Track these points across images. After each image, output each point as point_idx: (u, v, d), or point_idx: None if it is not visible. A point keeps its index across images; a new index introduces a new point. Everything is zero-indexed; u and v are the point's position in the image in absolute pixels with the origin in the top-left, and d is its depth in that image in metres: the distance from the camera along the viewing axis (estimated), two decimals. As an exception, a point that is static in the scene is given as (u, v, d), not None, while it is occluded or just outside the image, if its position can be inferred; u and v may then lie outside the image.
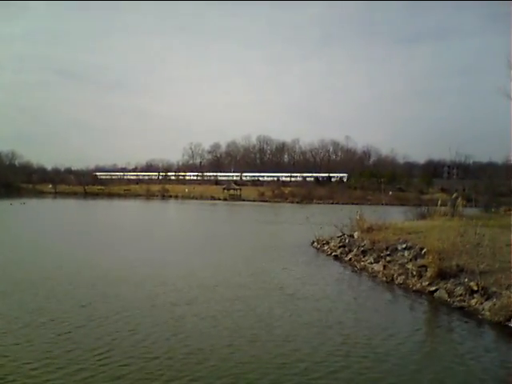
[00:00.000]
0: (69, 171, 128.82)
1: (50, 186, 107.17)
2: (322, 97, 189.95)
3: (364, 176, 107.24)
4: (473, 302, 11.76)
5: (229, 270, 16.74)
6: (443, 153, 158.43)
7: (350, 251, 20.32)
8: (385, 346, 9.09)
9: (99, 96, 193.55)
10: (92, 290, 12.96)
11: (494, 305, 10.95)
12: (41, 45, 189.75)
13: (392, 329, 10.28)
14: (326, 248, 22.47)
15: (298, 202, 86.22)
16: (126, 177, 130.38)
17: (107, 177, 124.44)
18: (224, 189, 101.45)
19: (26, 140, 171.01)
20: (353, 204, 60.02)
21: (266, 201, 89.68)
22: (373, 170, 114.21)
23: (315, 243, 24.18)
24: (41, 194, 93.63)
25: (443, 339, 10.08)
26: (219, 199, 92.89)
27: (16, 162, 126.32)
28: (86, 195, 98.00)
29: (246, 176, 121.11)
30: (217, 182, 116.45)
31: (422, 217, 28.14)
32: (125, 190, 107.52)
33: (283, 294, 13.23)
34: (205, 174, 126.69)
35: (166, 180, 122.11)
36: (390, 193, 68.42)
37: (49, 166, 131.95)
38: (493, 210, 42.75)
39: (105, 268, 16.43)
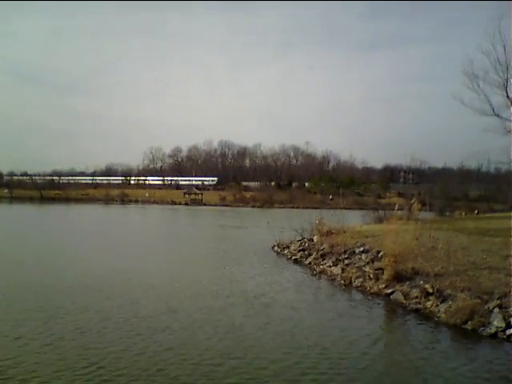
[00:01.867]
0: (25, 175, 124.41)
1: (6, 190, 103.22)
2: (283, 102, 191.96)
3: (323, 181, 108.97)
4: (428, 304, 11.99)
5: (191, 278, 16.45)
6: (400, 158, 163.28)
7: (310, 255, 20.48)
8: (342, 351, 9.18)
9: (56, 99, 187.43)
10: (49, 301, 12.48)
11: (450, 307, 11.15)
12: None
13: (352, 333, 10.39)
14: (286, 252, 22.56)
15: (259, 207, 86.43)
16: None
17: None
18: (185, 193, 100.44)
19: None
20: (313, 208, 60.51)
21: (228, 205, 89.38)
22: (332, 175, 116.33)
23: (276, 247, 24.24)
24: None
25: (399, 342, 10.24)
26: (180, 204, 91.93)
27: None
28: (43, 200, 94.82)
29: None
30: (178, 187, 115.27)
31: (380, 221, 28.80)
32: (83, 195, 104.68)
33: (248, 301, 12.99)
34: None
35: (126, 184, 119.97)
36: (331, 197, 70.29)
37: (4, 171, 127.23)
38: (447, 213, 44.35)
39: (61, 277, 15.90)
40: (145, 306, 12.13)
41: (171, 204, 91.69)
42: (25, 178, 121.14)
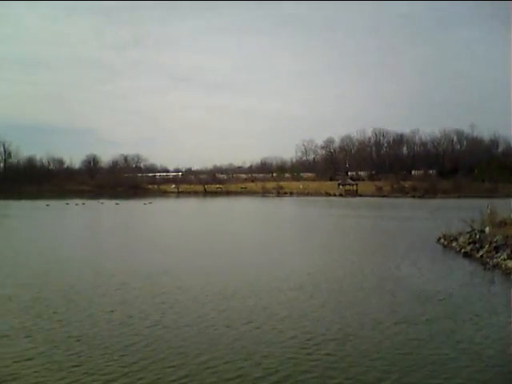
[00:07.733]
0: (189, 172, 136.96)
1: (173, 186, 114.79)
2: (439, 84, 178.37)
3: (492, 167, 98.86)
4: None
5: (358, 271, 16.41)
6: None
7: (482, 247, 19.07)
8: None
9: (208, 97, 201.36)
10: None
11: None
12: (150, 50, 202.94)
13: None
14: (454, 245, 21.32)
15: (419, 197, 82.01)
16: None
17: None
18: (339, 184, 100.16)
19: (145, 144, 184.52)
20: (481, 197, 55.64)
21: (385, 196, 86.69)
22: (502, 160, 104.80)
23: (442, 239, 22.99)
24: (164, 194, 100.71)
25: None
26: (334, 195, 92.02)
27: (142, 165, 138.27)
28: (206, 194, 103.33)
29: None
30: (331, 178, 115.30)
31: None
32: (242, 188, 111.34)
33: (426, 300, 12.47)
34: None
35: (281, 177, 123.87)
36: None
37: (171, 167, 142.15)
38: None
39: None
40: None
41: (325, 195, 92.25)
42: (189, 174, 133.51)
